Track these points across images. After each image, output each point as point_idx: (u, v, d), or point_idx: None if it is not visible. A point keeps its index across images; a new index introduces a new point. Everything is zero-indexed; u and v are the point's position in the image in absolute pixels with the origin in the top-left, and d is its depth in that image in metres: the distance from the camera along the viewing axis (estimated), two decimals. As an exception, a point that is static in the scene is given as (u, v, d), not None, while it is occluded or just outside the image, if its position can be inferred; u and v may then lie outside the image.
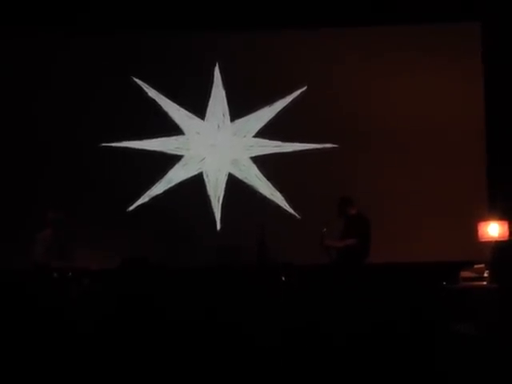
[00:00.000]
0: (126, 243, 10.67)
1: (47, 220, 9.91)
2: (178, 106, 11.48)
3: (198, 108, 11.50)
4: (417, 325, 4.76)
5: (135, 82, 11.43)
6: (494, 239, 10.01)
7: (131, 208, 11.32)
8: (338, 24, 11.23)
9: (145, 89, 11.45)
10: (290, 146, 11.33)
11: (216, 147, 11.56)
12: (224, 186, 11.43)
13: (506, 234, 9.97)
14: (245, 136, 11.52)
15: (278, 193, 11.33)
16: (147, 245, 10.76)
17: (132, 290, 5.90)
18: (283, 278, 9.85)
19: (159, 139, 11.45)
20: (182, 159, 11.52)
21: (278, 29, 11.27)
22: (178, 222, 11.08)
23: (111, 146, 11.37)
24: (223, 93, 11.49)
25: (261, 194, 11.35)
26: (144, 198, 11.35)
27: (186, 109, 11.48)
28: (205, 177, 11.48)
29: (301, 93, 11.33)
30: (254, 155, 11.48)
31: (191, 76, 11.36)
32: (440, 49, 11.22)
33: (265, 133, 11.44)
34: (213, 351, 4.53)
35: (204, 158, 11.55)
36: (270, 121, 11.41)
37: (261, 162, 11.43)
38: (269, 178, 11.37)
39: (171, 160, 11.49)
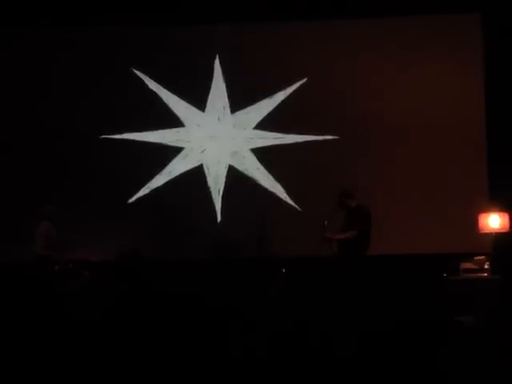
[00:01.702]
0: (127, 235, 10.65)
1: (45, 213, 9.94)
2: (178, 98, 11.47)
3: (199, 100, 11.50)
4: (417, 317, 4.76)
5: (136, 74, 11.43)
6: (494, 231, 10.02)
7: (132, 200, 11.33)
8: (337, 16, 11.21)
9: (145, 81, 11.45)
10: (290, 137, 11.33)
11: (216, 139, 11.55)
12: (224, 178, 11.43)
13: (507, 225, 9.98)
14: (245, 128, 11.52)
15: (279, 185, 11.32)
16: (148, 236, 10.77)
17: (130, 283, 5.91)
18: (283, 270, 9.85)
19: (160, 131, 11.45)
20: (183, 151, 11.52)
21: (278, 21, 11.25)
22: (178, 214, 11.08)
23: (112, 138, 11.37)
24: (223, 85, 11.48)
25: (261, 186, 11.35)
26: (144, 190, 11.36)
27: (187, 101, 11.47)
28: (205, 169, 11.48)
29: (301, 85, 11.32)
30: (254, 147, 11.47)
31: (192, 68, 11.34)
32: (441, 41, 11.19)
33: (265, 125, 11.43)
34: (212, 343, 4.54)
35: (204, 150, 11.55)
36: (270, 113, 11.40)
37: (261, 153, 11.42)
38: (269, 170, 11.36)
39: (172, 152, 11.49)
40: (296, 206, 11.24)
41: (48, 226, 9.89)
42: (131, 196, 11.33)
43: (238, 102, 11.45)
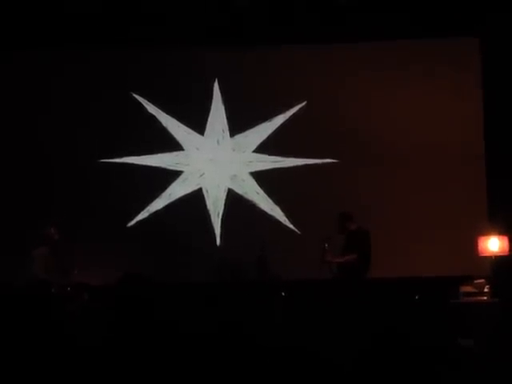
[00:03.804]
0: (126, 259, 10.65)
1: (43, 237, 9.93)
2: (177, 122, 11.49)
3: (198, 123, 11.52)
4: (416, 340, 4.74)
5: (135, 98, 11.45)
6: (494, 254, 10.00)
7: (131, 223, 11.31)
8: (336, 39, 11.25)
9: (144, 105, 11.47)
10: (289, 161, 11.33)
11: (215, 162, 11.56)
12: (224, 201, 11.43)
13: (507, 248, 9.96)
14: (244, 151, 11.53)
15: (278, 208, 11.31)
16: (147, 260, 10.73)
17: (131, 305, 5.89)
18: (283, 294, 9.84)
19: (159, 155, 11.46)
20: (182, 175, 11.52)
21: (277, 44, 11.30)
22: (177, 238, 11.06)
23: (111, 162, 11.37)
24: (223, 108, 11.50)
25: (260, 209, 11.34)
26: (144, 214, 11.34)
27: (186, 124, 11.49)
28: (204, 192, 11.48)
29: (300, 108, 11.34)
30: (253, 170, 11.48)
31: (191, 92, 11.37)
32: (439, 64, 11.25)
33: (264, 148, 11.44)
34: (211, 366, 4.52)
35: (203, 174, 11.55)
36: (269, 136, 11.42)
37: (260, 177, 11.43)
38: (268, 194, 11.36)
39: (171, 175, 11.49)
40: (295, 230, 11.23)
41: (46, 250, 9.88)
42: (131, 219, 11.32)
43: (237, 125, 11.47)
